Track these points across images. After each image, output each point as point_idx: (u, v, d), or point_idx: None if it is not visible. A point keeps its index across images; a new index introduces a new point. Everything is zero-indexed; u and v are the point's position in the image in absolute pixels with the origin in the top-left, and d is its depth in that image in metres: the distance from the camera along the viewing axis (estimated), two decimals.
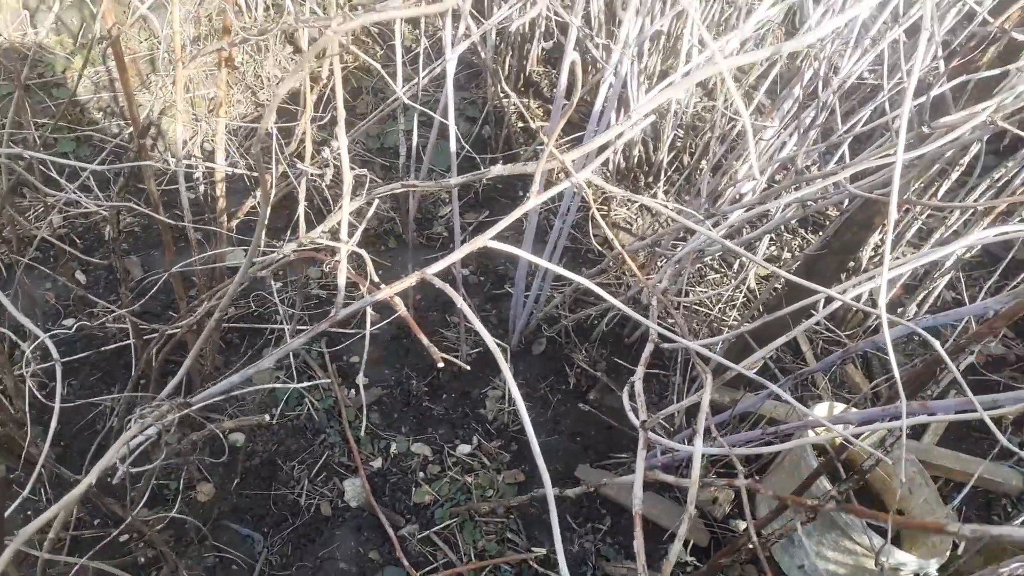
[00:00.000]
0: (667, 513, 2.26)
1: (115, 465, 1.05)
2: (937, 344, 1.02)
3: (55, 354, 1.05)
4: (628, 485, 2.25)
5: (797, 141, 2.34)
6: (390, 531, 2.11)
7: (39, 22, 3.05)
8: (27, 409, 1.19)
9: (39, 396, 1.26)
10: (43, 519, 0.85)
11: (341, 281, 1.19)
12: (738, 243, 2.15)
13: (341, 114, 0.99)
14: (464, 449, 2.39)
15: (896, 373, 0.95)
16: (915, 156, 1.35)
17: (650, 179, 3.38)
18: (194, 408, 1.05)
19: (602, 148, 1.98)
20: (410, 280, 1.16)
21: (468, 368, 2.54)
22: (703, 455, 1.12)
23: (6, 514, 1.08)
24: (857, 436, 1.48)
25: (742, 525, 2.26)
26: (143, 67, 3.28)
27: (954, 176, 2.44)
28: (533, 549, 2.15)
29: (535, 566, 2.11)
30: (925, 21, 0.89)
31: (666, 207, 1.43)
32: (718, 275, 3.11)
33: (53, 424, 1.00)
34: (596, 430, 2.51)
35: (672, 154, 3.37)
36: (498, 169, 1.32)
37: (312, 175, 1.45)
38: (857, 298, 1.32)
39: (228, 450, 2.18)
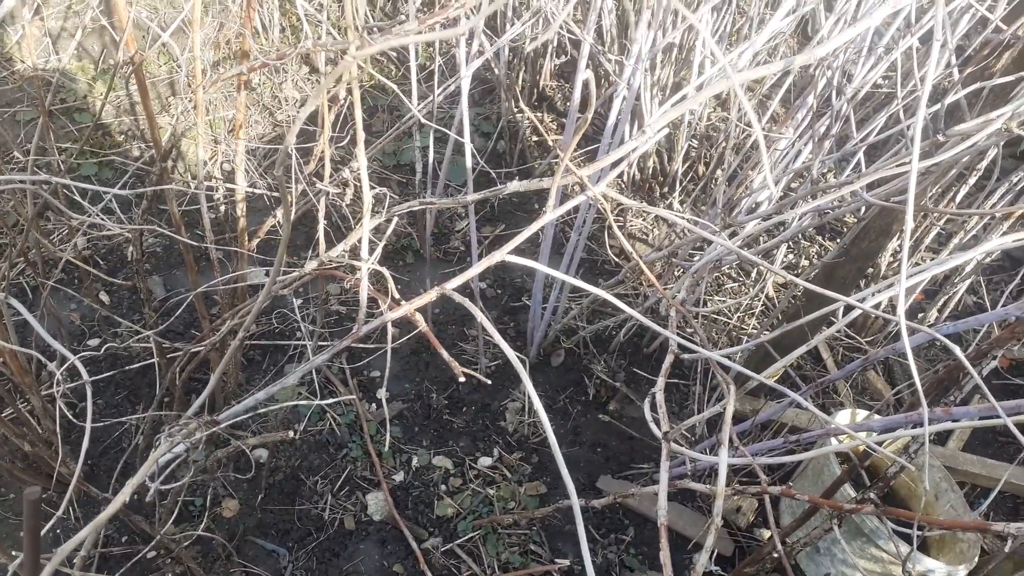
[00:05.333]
0: (691, 523, 2.25)
1: (145, 483, 1.07)
2: (958, 350, 1.02)
3: (85, 375, 1.07)
4: (651, 495, 2.25)
5: (812, 150, 2.35)
6: (414, 544, 2.12)
7: (61, 49, 3.12)
8: (58, 429, 1.21)
9: (69, 415, 1.28)
10: (79, 537, 0.87)
11: (363, 298, 1.21)
12: (755, 252, 2.15)
13: (360, 136, 1.02)
14: (485, 461, 2.40)
15: (916, 379, 0.95)
16: (931, 163, 1.35)
17: (665, 190, 3.38)
18: (222, 426, 1.07)
19: (617, 162, 1.99)
20: (429, 296, 1.18)
21: (488, 382, 2.55)
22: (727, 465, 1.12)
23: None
24: (880, 443, 1.48)
25: (766, 534, 2.25)
26: (162, 90, 3.34)
27: (972, 181, 2.43)
28: (557, 560, 2.15)
29: None
30: (937, 30, 0.90)
31: (683, 218, 1.44)
32: (736, 284, 3.10)
33: (85, 444, 1.02)
34: (617, 441, 2.51)
35: (687, 165, 3.38)
36: (515, 185, 1.34)
37: (332, 194, 1.47)
38: (877, 305, 1.32)
39: (254, 466, 2.21)
